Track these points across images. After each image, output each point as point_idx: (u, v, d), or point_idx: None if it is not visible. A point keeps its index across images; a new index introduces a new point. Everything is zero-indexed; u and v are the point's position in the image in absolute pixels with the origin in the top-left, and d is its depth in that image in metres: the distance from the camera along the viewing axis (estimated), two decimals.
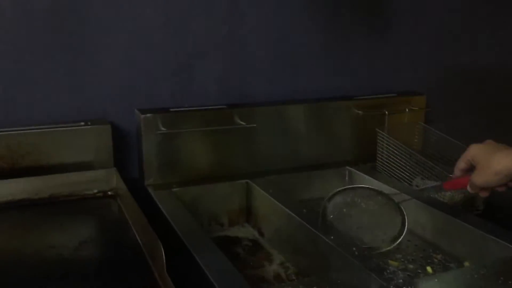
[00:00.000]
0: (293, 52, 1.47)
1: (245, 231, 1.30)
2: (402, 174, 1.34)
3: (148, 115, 1.26)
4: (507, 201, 1.27)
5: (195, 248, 0.95)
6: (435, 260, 1.09)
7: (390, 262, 1.07)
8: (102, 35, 1.27)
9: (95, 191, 1.25)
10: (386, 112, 1.46)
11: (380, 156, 1.40)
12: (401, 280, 0.84)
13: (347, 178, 1.45)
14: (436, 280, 0.84)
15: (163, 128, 1.27)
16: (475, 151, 0.95)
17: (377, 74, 1.59)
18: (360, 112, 1.46)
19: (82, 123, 1.26)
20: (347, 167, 1.45)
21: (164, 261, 0.82)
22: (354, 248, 0.95)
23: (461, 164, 0.98)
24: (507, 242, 0.99)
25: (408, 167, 1.33)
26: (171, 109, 1.31)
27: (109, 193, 1.25)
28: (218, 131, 1.33)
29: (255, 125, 1.35)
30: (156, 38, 1.32)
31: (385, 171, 1.39)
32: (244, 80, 1.43)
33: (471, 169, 0.97)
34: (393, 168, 1.36)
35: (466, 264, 1.02)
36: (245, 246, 1.22)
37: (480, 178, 0.93)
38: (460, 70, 1.70)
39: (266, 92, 1.46)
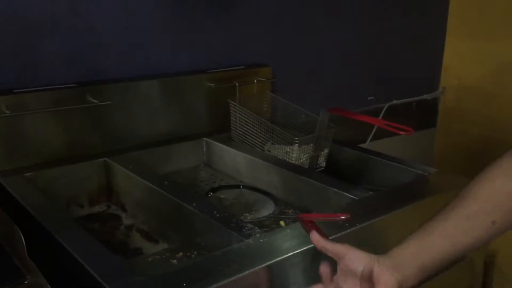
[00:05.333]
0: (143, 27, 1.46)
1: (106, 210, 1.30)
2: (255, 140, 1.44)
3: None
4: (343, 158, 1.46)
5: (55, 229, 0.93)
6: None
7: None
8: None
9: None
10: (237, 84, 1.55)
11: (234, 126, 1.49)
12: (258, 234, 0.93)
13: (204, 149, 1.51)
14: (287, 230, 0.95)
15: (6, 111, 1.19)
16: None
17: (226, 49, 1.66)
18: (212, 84, 1.52)
19: None
20: (204, 138, 1.51)
21: (25, 245, 0.80)
22: (215, 212, 1.02)
23: None
24: (344, 191, 1.15)
25: (259, 134, 1.43)
26: (14, 91, 1.24)
27: None
28: (69, 111, 1.29)
29: (109, 102, 1.33)
30: None
31: (240, 139, 1.48)
32: (92, 58, 1.39)
33: None
34: (246, 136, 1.46)
35: None
36: (107, 222, 1.23)
37: None
38: (301, 43, 1.85)
39: (117, 68, 1.44)
